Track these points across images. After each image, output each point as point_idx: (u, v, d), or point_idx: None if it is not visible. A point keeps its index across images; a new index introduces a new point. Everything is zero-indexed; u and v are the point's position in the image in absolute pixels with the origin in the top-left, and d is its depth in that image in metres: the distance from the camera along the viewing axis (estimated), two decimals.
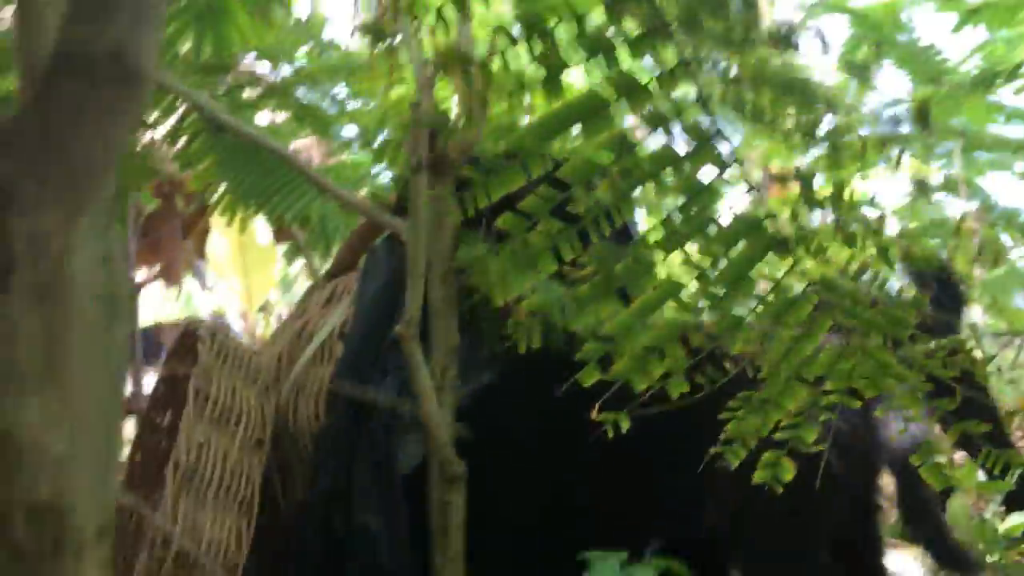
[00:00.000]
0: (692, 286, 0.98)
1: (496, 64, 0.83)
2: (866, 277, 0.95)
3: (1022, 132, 5.45)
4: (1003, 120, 5.19)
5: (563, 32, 0.82)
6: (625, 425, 1.06)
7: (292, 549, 2.07)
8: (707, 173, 0.91)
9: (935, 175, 5.61)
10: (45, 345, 0.49)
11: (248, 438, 1.98)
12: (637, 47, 0.83)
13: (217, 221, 3.74)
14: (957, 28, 4.22)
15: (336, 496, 2.03)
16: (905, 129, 5.38)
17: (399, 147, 2.61)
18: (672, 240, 0.92)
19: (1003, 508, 2.67)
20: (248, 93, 3.23)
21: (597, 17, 0.82)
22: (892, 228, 5.44)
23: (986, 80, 3.94)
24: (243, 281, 9.57)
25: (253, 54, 3.42)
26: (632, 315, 0.98)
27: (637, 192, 0.88)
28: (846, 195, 0.87)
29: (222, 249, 9.42)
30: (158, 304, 10.29)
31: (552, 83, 0.83)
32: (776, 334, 1.01)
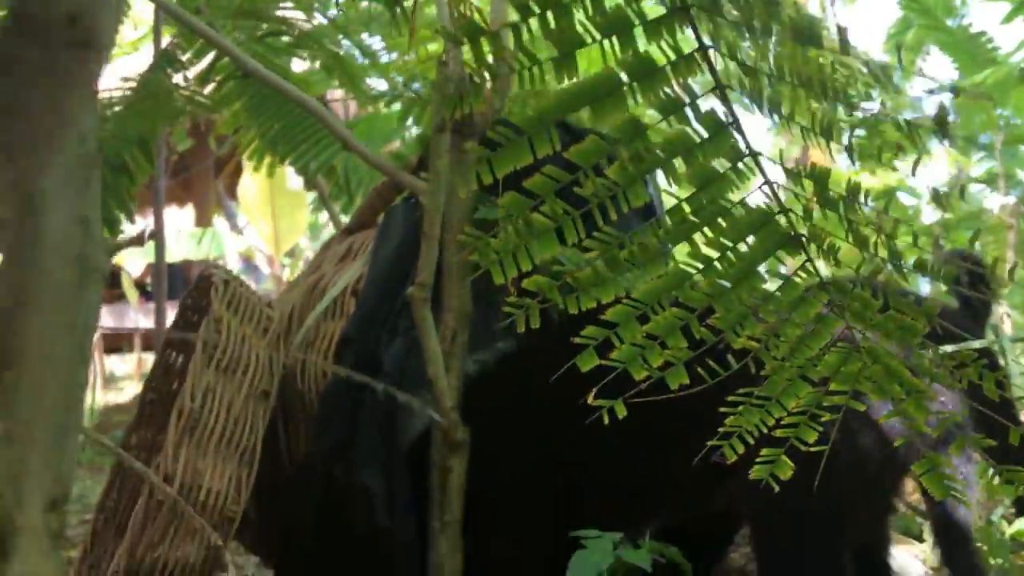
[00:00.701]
0: (698, 277, 0.95)
1: (509, 38, 0.80)
2: (879, 279, 0.92)
3: None
4: None
5: (578, 9, 0.79)
6: (621, 412, 1.04)
7: (292, 503, 2.08)
8: (723, 163, 0.88)
9: (975, 167, 5.51)
10: (8, 311, 0.47)
11: (254, 389, 1.98)
12: (654, 29, 0.80)
13: (249, 164, 3.74)
14: (1008, 18, 4.11)
15: (338, 453, 2.03)
16: (949, 118, 5.27)
17: (426, 105, 2.58)
18: (680, 229, 0.90)
19: (1012, 511, 2.63)
20: (280, 39, 3.20)
21: None
22: (928, 217, 5.35)
23: None
24: (272, 225, 9.62)
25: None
26: (634, 303, 0.95)
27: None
28: (861, 195, 0.84)
29: (253, 192, 9.45)
30: (188, 241, 10.36)
31: (565, 61, 0.80)
32: (782, 332, 0.98)
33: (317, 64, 3.51)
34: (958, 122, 5.04)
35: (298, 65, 3.80)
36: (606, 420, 1.05)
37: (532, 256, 0.90)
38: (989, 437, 1.11)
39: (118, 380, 9.18)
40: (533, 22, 0.79)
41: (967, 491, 1.71)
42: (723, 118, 0.85)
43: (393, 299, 2.12)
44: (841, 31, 0.75)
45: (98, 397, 7.80)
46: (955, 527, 1.75)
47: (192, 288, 2.37)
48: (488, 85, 0.84)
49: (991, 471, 1.17)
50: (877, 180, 4.88)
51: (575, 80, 0.81)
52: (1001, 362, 2.10)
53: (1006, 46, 4.74)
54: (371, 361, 2.07)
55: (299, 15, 3.21)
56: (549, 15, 0.78)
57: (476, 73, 0.81)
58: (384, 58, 3.63)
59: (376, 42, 3.67)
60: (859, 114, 0.95)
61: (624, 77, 0.81)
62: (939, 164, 5.77)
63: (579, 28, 0.79)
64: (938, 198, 0.92)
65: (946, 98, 5.07)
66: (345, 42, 3.49)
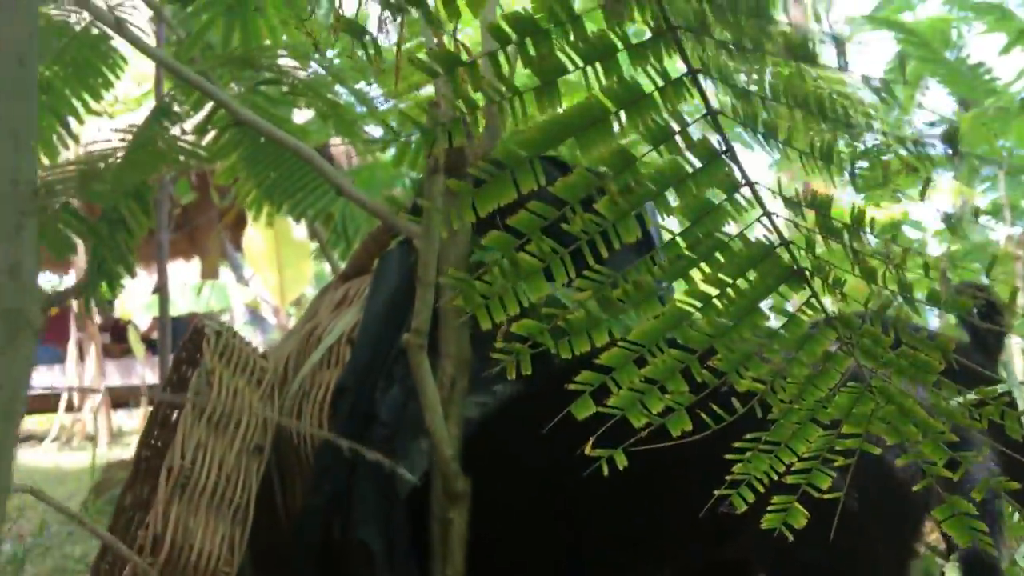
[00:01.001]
0: (697, 316, 0.90)
1: (489, 68, 0.76)
2: (889, 314, 0.86)
3: None
4: None
5: (559, 35, 0.74)
6: (621, 462, 0.98)
7: (289, 559, 2.01)
8: (718, 194, 0.83)
9: (979, 198, 5.47)
10: None
11: (248, 443, 1.92)
12: (639, 54, 0.75)
13: (251, 215, 3.73)
14: (1006, 49, 4.09)
15: (336, 506, 1.97)
16: (949, 151, 5.24)
17: (419, 149, 2.54)
18: (676, 266, 0.85)
19: None
20: (277, 88, 3.19)
21: (597, 21, 0.75)
22: (933, 251, 5.30)
23: None
24: (277, 276, 9.63)
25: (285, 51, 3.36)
26: (631, 345, 0.90)
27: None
28: (866, 224, 0.79)
29: (258, 243, 9.47)
30: (193, 294, 10.36)
31: (547, 89, 0.76)
32: (788, 372, 0.93)
33: (314, 113, 3.50)
34: (959, 155, 5.00)
35: (298, 116, 3.80)
36: (606, 471, 1.00)
37: (520, 298, 0.85)
38: (1012, 478, 1.05)
39: (125, 435, 9.12)
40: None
41: (996, 533, 1.63)
42: (716, 146, 0.80)
43: (389, 346, 2.07)
44: (840, 43, 0.71)
45: (104, 452, 7.74)
46: (983, 570, 1.66)
47: (185, 341, 2.32)
48: (472, 119, 0.79)
49: (1013, 511, 1.10)
50: (882, 214, 4.85)
51: (559, 110, 0.77)
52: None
53: (1005, 76, 4.71)
54: (368, 410, 2.01)
55: (292, 62, 3.20)
56: (528, 42, 0.74)
57: (457, 107, 0.77)
58: (383, 106, 3.62)
59: (374, 90, 3.67)
60: (860, 145, 0.90)
61: (610, 105, 0.76)
62: (944, 196, 5.73)
63: (560, 55, 0.75)
64: (950, 222, 0.86)
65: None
66: (343, 91, 3.47)
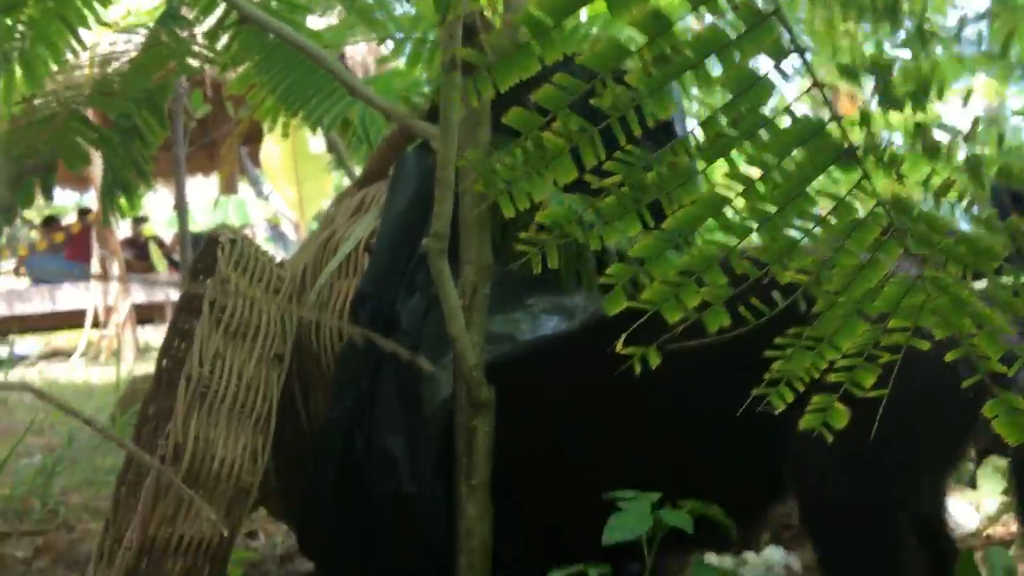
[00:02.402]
0: (738, 202, 0.83)
1: None
2: (950, 198, 0.79)
3: None
4: None
5: None
6: (654, 360, 0.92)
7: (311, 470, 1.99)
8: (763, 64, 0.75)
9: (1013, 97, 5.29)
10: None
11: (267, 352, 1.89)
12: None
13: (268, 127, 3.64)
14: None
15: (358, 416, 1.94)
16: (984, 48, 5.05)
17: (436, 48, 2.45)
18: (716, 145, 0.77)
19: None
20: None
21: None
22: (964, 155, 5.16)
23: None
24: (297, 190, 9.57)
25: None
26: (665, 234, 0.83)
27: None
28: (932, 94, 0.71)
29: (275, 158, 9.40)
30: (217, 211, 10.36)
31: None
32: (836, 262, 0.86)
33: (332, 19, 3.38)
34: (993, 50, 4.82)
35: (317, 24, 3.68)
36: (638, 369, 0.94)
37: (546, 182, 0.78)
38: None
39: (151, 350, 9.23)
40: None
41: None
42: (762, 6, 0.72)
43: (409, 253, 2.01)
44: None
45: (128, 367, 7.84)
46: None
47: (202, 252, 2.28)
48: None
49: None
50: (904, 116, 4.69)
51: None
52: None
53: None
54: (388, 318, 1.97)
55: None
56: None
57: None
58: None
59: None
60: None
61: None
62: (978, 98, 5.55)
63: None
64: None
65: (983, 26, 4.84)
66: None
